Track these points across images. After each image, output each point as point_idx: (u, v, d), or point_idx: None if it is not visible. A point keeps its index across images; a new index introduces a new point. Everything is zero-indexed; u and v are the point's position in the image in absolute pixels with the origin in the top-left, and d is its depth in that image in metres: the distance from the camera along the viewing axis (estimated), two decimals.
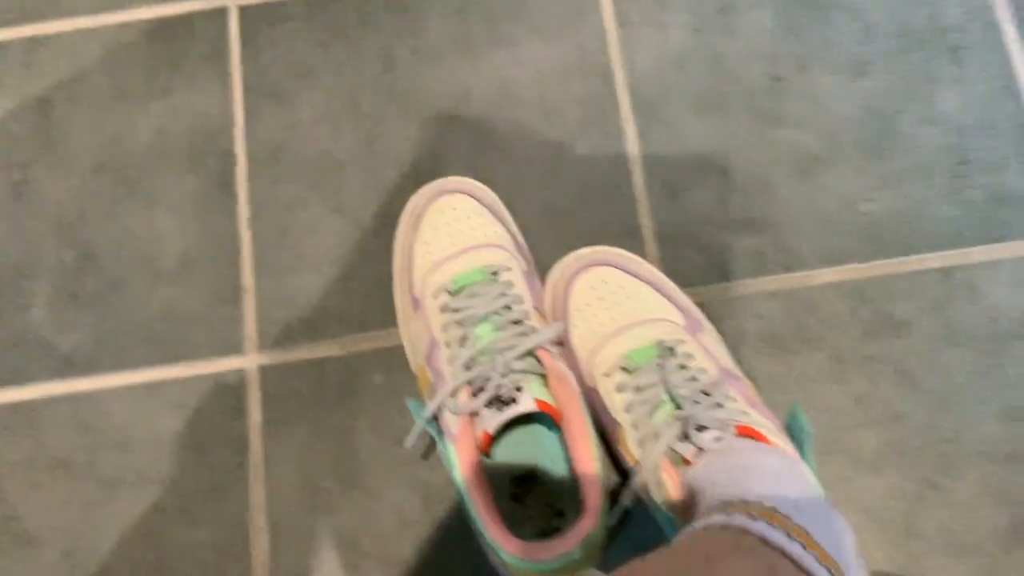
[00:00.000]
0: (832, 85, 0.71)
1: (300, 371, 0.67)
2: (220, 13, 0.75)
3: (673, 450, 0.52)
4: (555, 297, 0.62)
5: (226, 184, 0.71)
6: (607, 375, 0.58)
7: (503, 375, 0.54)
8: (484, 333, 0.57)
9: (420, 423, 0.55)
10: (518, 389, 0.54)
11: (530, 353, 0.56)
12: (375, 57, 0.74)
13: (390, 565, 0.63)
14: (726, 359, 0.60)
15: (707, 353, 0.58)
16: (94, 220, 0.71)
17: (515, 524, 0.57)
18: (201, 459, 0.66)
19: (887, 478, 0.63)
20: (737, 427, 0.52)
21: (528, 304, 0.59)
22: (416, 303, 0.61)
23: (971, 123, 0.70)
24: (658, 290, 0.61)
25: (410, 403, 0.57)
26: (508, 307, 0.58)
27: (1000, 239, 0.67)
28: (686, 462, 0.52)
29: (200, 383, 0.67)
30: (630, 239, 0.68)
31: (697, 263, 0.67)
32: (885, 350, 0.65)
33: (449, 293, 0.60)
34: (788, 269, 0.67)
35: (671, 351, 0.57)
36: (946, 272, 0.67)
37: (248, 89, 0.73)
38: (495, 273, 0.60)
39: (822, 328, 0.66)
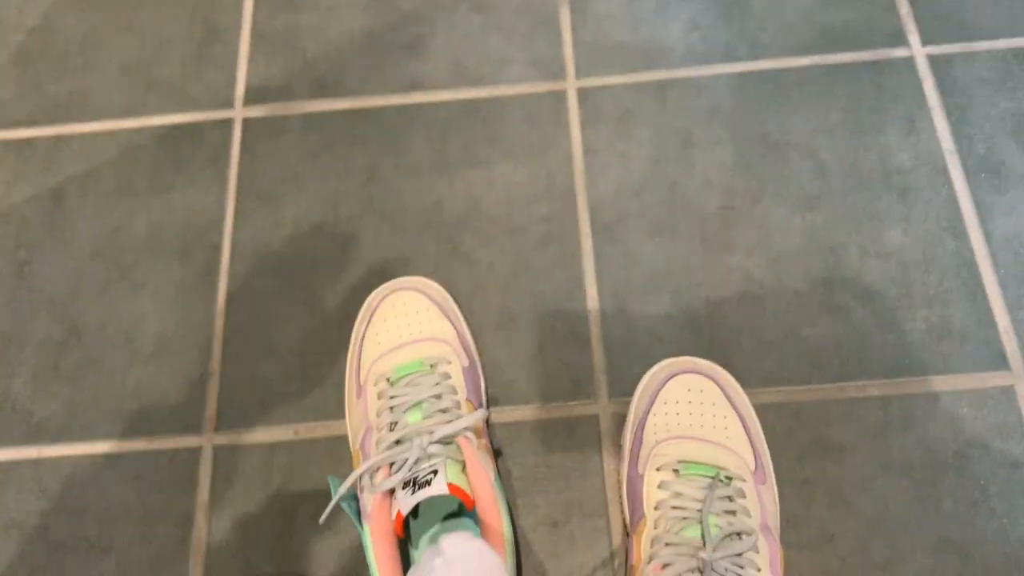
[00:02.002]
0: (781, 217, 0.75)
1: (251, 454, 0.70)
2: (226, 123, 0.83)
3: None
4: (649, 384, 0.65)
5: (209, 275, 0.77)
6: (659, 469, 0.60)
7: (420, 457, 0.56)
8: (413, 419, 0.59)
9: (336, 499, 0.57)
10: (434, 472, 0.56)
11: (451, 440, 0.58)
12: (360, 170, 0.80)
13: None
14: (774, 519, 0.61)
15: (759, 502, 0.59)
16: (84, 300, 0.77)
17: None
18: (147, 531, 0.68)
19: None
20: None
21: (462, 396, 0.62)
22: (360, 390, 0.65)
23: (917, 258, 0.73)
24: (745, 426, 0.63)
25: (332, 480, 0.59)
26: (439, 396, 0.61)
27: (939, 372, 0.69)
28: None
29: (157, 458, 0.70)
30: (578, 344, 0.71)
31: (639, 374, 0.69)
32: (820, 473, 0.66)
33: (388, 382, 0.63)
34: None
35: (728, 481, 0.59)
36: (885, 400, 0.68)
37: (241, 191, 0.80)
38: (433, 365, 0.63)
39: None
